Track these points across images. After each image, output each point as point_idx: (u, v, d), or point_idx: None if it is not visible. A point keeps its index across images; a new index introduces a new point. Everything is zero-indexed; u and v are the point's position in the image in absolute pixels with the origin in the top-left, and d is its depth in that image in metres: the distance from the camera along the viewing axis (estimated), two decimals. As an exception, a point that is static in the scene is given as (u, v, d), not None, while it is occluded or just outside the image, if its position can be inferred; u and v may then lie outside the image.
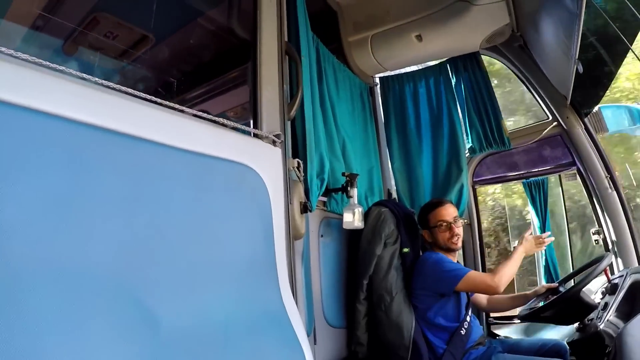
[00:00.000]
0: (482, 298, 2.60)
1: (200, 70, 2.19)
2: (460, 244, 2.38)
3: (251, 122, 1.45)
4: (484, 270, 3.07)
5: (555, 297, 2.22)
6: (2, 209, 0.70)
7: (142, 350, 0.85)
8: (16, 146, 0.74)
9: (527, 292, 2.50)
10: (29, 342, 0.68)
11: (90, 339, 0.77)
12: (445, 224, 2.35)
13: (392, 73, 3.26)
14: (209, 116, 1.19)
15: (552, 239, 2.39)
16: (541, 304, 2.40)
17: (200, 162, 1.12)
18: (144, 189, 0.95)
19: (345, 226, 2.13)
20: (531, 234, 2.33)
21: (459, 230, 2.37)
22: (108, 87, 0.93)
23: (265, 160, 1.35)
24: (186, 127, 1.11)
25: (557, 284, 2.38)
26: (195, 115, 1.17)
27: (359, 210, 2.12)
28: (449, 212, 2.39)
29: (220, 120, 1.23)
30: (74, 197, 0.81)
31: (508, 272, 2.14)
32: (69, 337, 0.74)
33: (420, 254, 2.45)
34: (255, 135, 1.40)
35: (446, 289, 2.19)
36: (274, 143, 1.43)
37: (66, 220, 0.79)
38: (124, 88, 0.95)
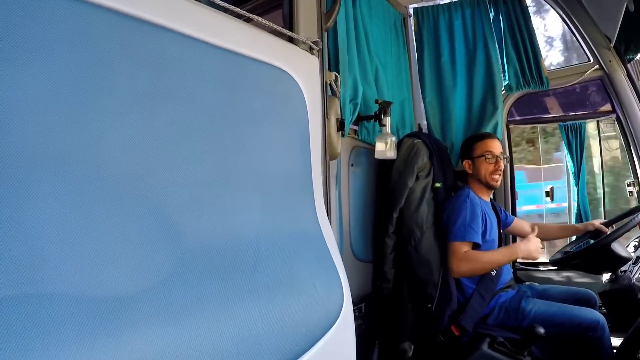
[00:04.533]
0: (527, 227, 2.48)
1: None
2: (500, 182, 2.25)
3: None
4: (513, 213, 2.95)
5: (585, 246, 2.15)
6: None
7: (161, 263, 0.74)
8: (17, 22, 0.59)
9: (578, 225, 2.42)
10: (29, 250, 0.56)
11: (101, 248, 0.66)
12: (491, 155, 2.21)
13: (427, 4, 3.02)
14: (243, 12, 1.06)
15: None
16: (573, 249, 2.33)
17: (232, 61, 0.98)
18: (168, 82, 0.81)
19: (377, 155, 2.01)
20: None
21: (502, 165, 2.22)
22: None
23: (302, 68, 1.21)
24: (217, 21, 0.97)
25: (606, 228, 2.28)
26: (227, 10, 1.03)
27: (392, 140, 2.00)
28: (497, 145, 2.25)
29: (255, 17, 1.10)
30: (87, 85, 0.67)
31: (483, 266, 2.02)
32: (76, 244, 0.62)
33: (452, 193, 2.34)
34: (291, 40, 1.26)
35: (445, 237, 2.13)
36: (310, 50, 1.30)
37: (76, 111, 0.66)
38: None
